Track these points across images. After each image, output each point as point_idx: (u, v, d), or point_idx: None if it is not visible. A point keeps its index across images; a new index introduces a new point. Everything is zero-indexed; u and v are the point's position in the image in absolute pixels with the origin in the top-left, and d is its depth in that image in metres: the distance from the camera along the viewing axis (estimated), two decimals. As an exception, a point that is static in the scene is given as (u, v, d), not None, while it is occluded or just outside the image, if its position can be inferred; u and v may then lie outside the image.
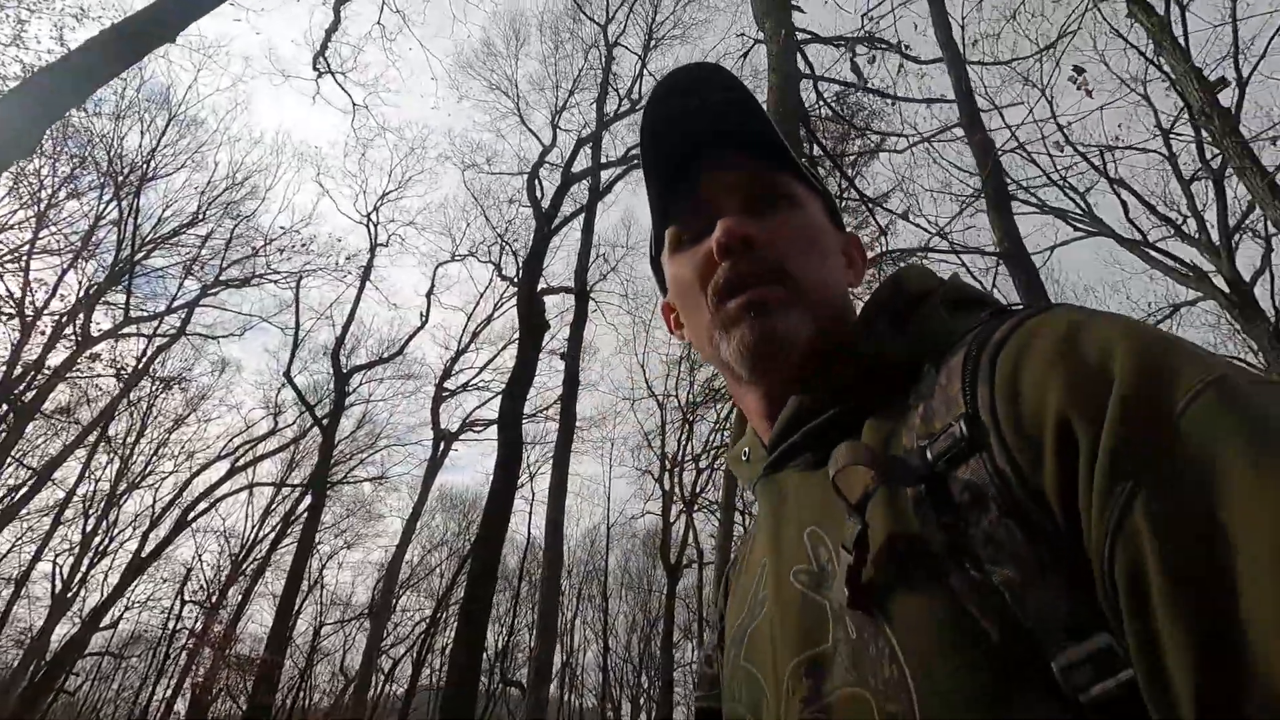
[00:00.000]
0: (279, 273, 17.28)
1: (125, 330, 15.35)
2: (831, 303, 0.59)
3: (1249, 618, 0.28)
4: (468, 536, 23.61)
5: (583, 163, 14.49)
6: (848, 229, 0.70)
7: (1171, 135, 11.06)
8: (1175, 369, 0.35)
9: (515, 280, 14.86)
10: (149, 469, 19.52)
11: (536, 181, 13.80)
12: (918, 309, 0.54)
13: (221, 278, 16.85)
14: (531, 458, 19.54)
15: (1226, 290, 9.37)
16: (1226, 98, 6.97)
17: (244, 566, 20.58)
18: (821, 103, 7.27)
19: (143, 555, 16.99)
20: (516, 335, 12.68)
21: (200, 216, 16.61)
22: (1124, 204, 11.58)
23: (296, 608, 16.90)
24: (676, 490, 16.82)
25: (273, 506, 21.66)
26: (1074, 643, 0.35)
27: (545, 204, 13.25)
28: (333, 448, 16.23)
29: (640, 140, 0.64)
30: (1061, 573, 0.36)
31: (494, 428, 12.44)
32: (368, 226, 18.64)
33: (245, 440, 20.87)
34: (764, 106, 0.63)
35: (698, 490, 16.76)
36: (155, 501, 19.53)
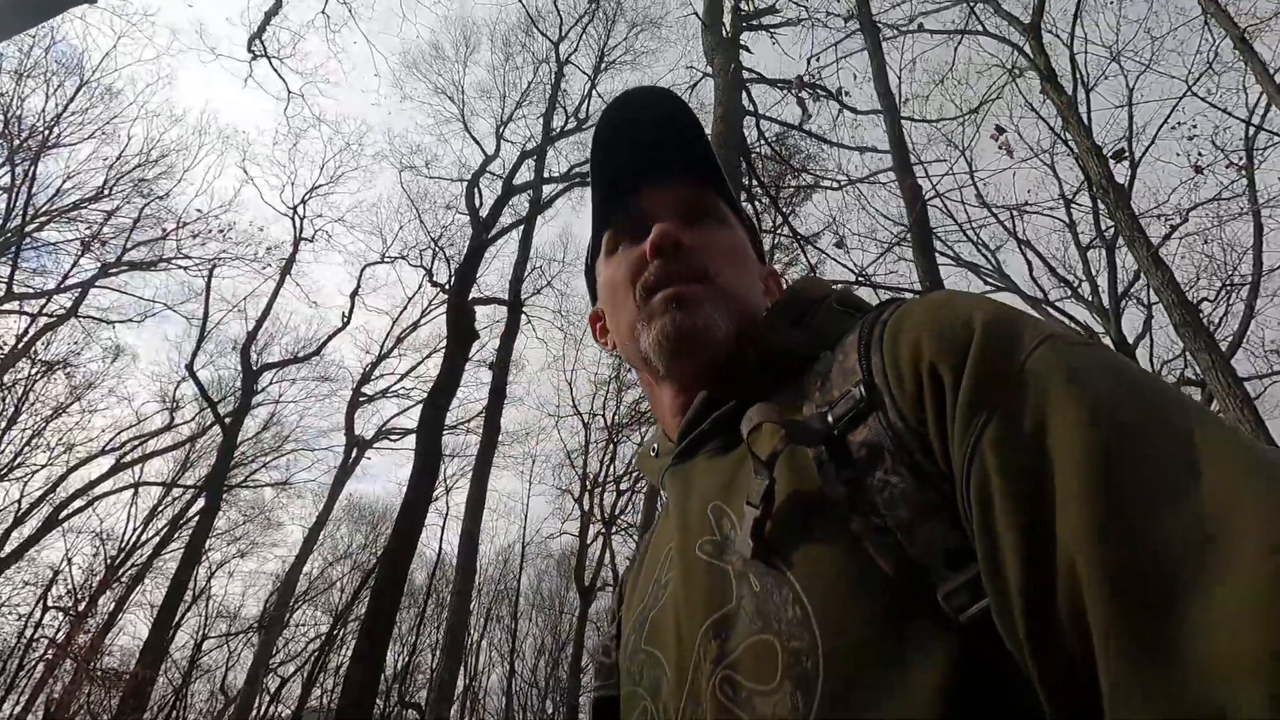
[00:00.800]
0: (190, 258, 16.15)
1: (5, 307, 14.01)
2: (746, 312, 0.63)
3: (1058, 520, 0.33)
4: (374, 549, 22.53)
5: (525, 175, 14.40)
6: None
7: (1072, 204, 12.08)
8: (1021, 329, 0.42)
9: (447, 287, 14.53)
10: (18, 460, 17.69)
11: (476, 190, 13.60)
12: (813, 309, 0.60)
13: (124, 258, 15.62)
14: (449, 470, 18.95)
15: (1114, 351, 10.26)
16: (1121, 174, 7.68)
17: (120, 572, 18.85)
18: (762, 140, 7.55)
19: (1, 555, 15.36)
20: (443, 343, 12.36)
21: (106, 191, 15.39)
22: (1029, 264, 12.54)
23: (177, 619, 15.65)
24: (596, 511, 16.68)
25: (160, 508, 20.00)
26: (954, 573, 0.39)
27: (484, 213, 13.07)
28: (234, 448, 15.23)
29: (591, 149, 0.69)
30: (944, 512, 0.40)
31: (412, 437, 12.03)
32: (293, 219, 17.78)
33: (135, 435, 19.23)
34: (709, 137, 0.67)
35: (617, 512, 16.67)
36: (23, 496, 17.64)
